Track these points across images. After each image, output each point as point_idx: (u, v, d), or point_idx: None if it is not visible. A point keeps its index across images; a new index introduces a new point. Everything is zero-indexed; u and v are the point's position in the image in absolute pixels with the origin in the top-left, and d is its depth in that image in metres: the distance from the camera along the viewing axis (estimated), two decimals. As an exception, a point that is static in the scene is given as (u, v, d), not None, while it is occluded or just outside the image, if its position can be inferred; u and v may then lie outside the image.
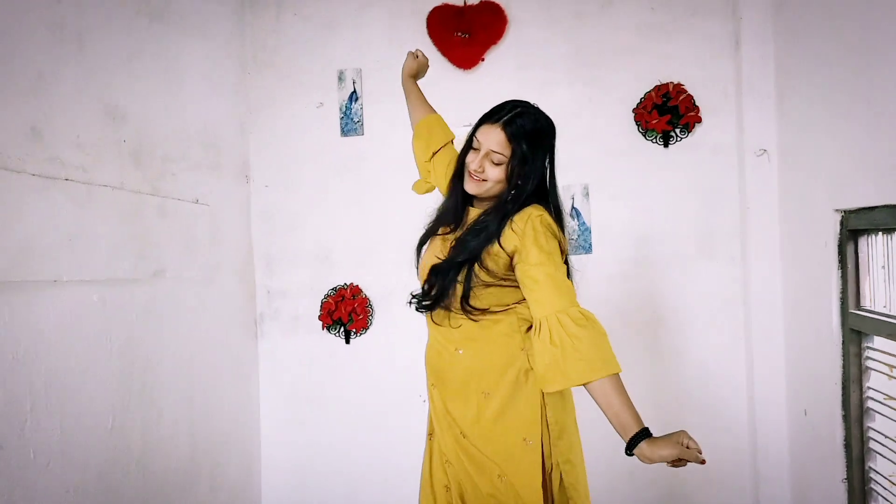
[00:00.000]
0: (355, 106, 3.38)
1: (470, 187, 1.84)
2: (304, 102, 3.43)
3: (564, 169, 3.24)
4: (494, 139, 1.77)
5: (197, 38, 2.96)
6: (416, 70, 2.50)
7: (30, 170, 1.98)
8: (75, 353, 2.14)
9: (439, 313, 1.88)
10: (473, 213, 1.93)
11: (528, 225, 1.73)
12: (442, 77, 3.34)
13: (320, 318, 3.39)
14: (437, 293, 1.83)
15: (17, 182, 1.93)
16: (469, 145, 1.86)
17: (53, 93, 2.11)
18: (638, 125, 3.21)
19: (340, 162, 3.40)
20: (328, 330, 3.39)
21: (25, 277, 1.94)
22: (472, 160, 1.81)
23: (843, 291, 2.46)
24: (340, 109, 3.40)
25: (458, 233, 1.88)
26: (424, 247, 2.01)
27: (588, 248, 3.24)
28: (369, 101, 3.39)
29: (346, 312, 3.33)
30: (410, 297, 1.94)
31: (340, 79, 3.38)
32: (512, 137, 1.76)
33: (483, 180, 1.81)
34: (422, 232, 2.04)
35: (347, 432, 3.39)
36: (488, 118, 1.83)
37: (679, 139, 3.19)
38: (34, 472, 1.95)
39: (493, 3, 3.30)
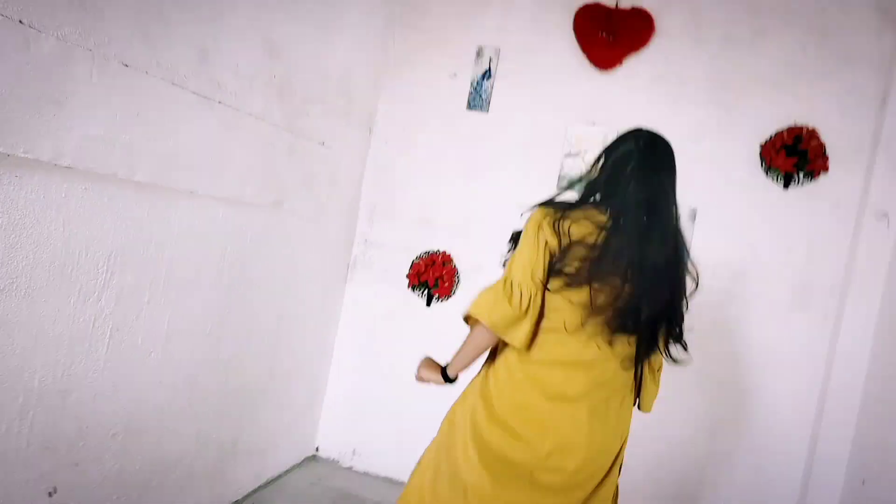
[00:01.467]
0: (487, 83, 3.47)
1: None
2: (438, 70, 3.54)
3: (678, 187, 3.27)
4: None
5: (354, -9, 3.11)
6: (434, 370, 2.09)
7: (191, 87, 2.17)
8: (195, 258, 2.35)
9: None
10: None
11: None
12: (578, 74, 3.38)
13: (408, 276, 3.53)
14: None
15: (180, 96, 2.12)
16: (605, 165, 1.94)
17: (225, 22, 2.29)
18: (762, 160, 3.18)
19: (461, 134, 3.51)
20: (413, 289, 3.53)
21: (169, 184, 2.15)
22: None
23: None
24: (472, 84, 3.49)
25: None
26: None
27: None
28: (501, 81, 3.46)
29: (433, 277, 3.46)
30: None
31: (479, 54, 3.47)
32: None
33: None
34: None
35: (406, 393, 3.52)
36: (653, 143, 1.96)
37: (800, 183, 3.14)
38: (138, 358, 2.17)
39: (644, 10, 3.31)
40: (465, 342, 1.92)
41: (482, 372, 1.97)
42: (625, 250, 1.70)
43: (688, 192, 3.24)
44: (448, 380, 1.99)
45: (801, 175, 3.13)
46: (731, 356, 3.22)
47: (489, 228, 3.41)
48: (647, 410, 1.97)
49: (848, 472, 2.92)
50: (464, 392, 2.00)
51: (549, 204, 1.82)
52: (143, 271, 2.12)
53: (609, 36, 3.31)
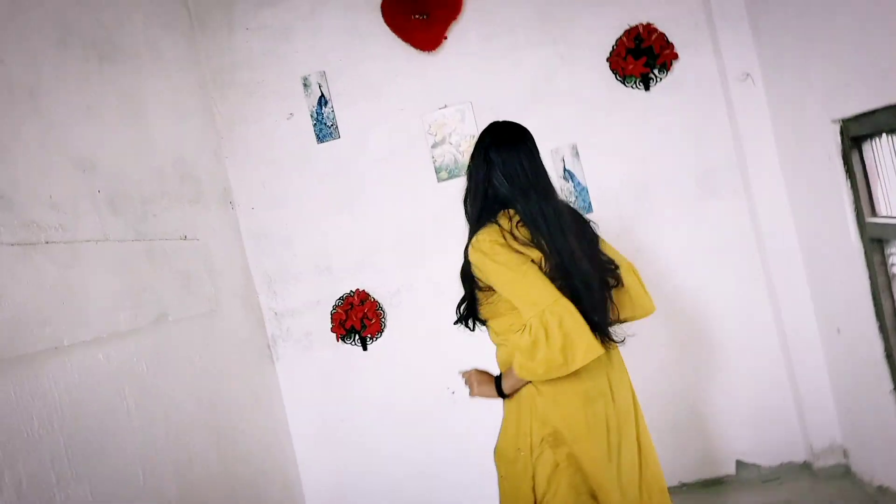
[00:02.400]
0: (326, 110, 3.30)
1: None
2: (273, 116, 3.34)
3: (549, 133, 3.20)
4: None
5: (152, 72, 2.87)
6: (486, 381, 2.02)
7: (6, 239, 1.90)
8: (92, 415, 2.08)
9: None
10: None
11: (475, 257, 1.83)
12: (406, 63, 3.25)
13: (333, 329, 3.32)
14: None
15: (-4, 255, 1.86)
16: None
17: (16, 156, 2.03)
18: (615, 74, 3.13)
19: (322, 170, 3.32)
20: (343, 340, 3.32)
21: (25, 350, 1.87)
22: None
23: (856, 201, 2.40)
24: (312, 116, 3.31)
25: None
26: None
27: (588, 209, 3.16)
28: (340, 102, 3.30)
29: (357, 319, 3.26)
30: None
31: (306, 85, 3.29)
32: None
33: None
34: None
35: (382, 438, 3.33)
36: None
37: (659, 80, 3.11)
38: (73, 546, 1.89)
39: (445, -22, 3.21)
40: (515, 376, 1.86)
41: (526, 399, 1.91)
42: (559, 240, 1.78)
43: (562, 132, 3.20)
44: (502, 395, 1.97)
45: (657, 72, 3.11)
46: (668, 270, 3.15)
47: (390, 248, 3.25)
48: (652, 309, 2.08)
49: (820, 328, 2.89)
50: (512, 426, 1.97)
51: (481, 227, 1.85)
52: (35, 457, 1.84)
53: (422, 16, 3.19)
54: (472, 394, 2.05)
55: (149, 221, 2.61)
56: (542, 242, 1.78)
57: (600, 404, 1.86)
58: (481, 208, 1.90)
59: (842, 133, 2.34)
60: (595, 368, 1.84)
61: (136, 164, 2.63)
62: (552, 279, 1.76)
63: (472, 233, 1.89)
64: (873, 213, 2.37)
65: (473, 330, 2.01)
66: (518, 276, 1.75)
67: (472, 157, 1.96)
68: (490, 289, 1.85)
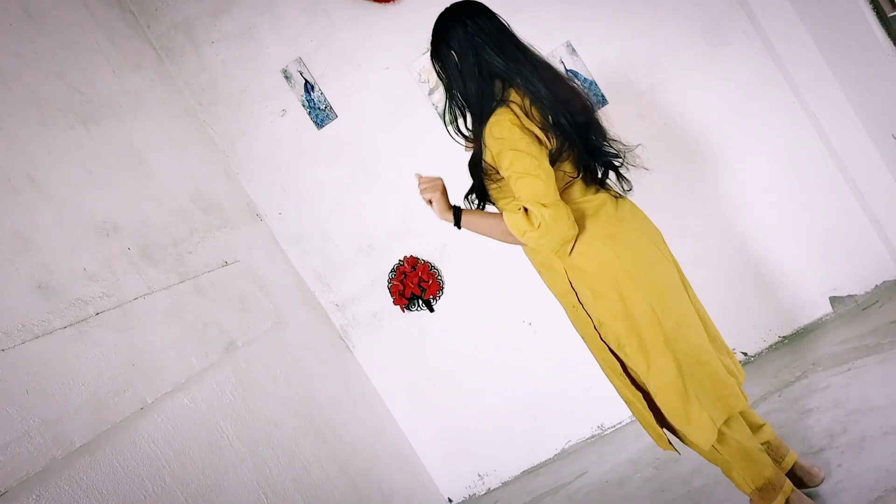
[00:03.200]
0: (315, 95, 3.23)
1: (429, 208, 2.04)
2: (267, 118, 3.30)
3: (540, 37, 3.06)
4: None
5: (138, 118, 2.85)
6: (445, 201, 1.97)
7: (58, 324, 1.93)
8: (198, 458, 2.13)
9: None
10: None
11: (494, 145, 1.77)
12: (377, 21, 3.15)
13: (395, 302, 3.32)
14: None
15: (47, 342, 1.88)
16: None
17: (41, 244, 2.04)
18: (585, -44, 2.97)
19: (332, 153, 3.28)
20: (409, 309, 3.32)
21: (114, 420, 1.92)
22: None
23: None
24: (304, 106, 3.25)
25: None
26: None
27: (603, 100, 3.05)
28: (325, 82, 3.23)
29: (415, 285, 3.25)
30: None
31: (287, 77, 3.23)
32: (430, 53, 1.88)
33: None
34: None
35: (476, 388, 3.34)
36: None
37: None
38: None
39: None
40: (495, 226, 1.87)
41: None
42: (558, 107, 1.76)
43: (553, 31, 3.06)
44: (456, 224, 1.95)
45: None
46: (701, 130, 3.03)
47: (420, 208, 3.20)
48: None
49: (872, 135, 2.73)
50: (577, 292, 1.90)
51: (489, 110, 1.79)
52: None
53: (375, -32, 3.07)
54: (430, 205, 1.97)
55: (186, 261, 2.63)
56: (550, 120, 1.74)
57: (646, 240, 1.90)
58: (479, 88, 1.80)
59: None
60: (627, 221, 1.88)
61: (156, 210, 2.64)
62: (559, 154, 1.77)
63: (479, 117, 1.82)
64: (894, 7, 2.21)
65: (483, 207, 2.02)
66: (534, 165, 1.72)
67: (444, 38, 1.83)
68: (501, 178, 1.82)
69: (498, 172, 1.81)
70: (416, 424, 3.44)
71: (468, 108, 1.87)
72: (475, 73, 1.80)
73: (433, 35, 1.88)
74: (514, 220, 1.76)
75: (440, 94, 3.15)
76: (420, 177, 2.01)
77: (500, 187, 1.86)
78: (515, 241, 1.85)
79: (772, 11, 2.79)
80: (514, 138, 1.72)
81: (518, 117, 1.74)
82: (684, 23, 2.96)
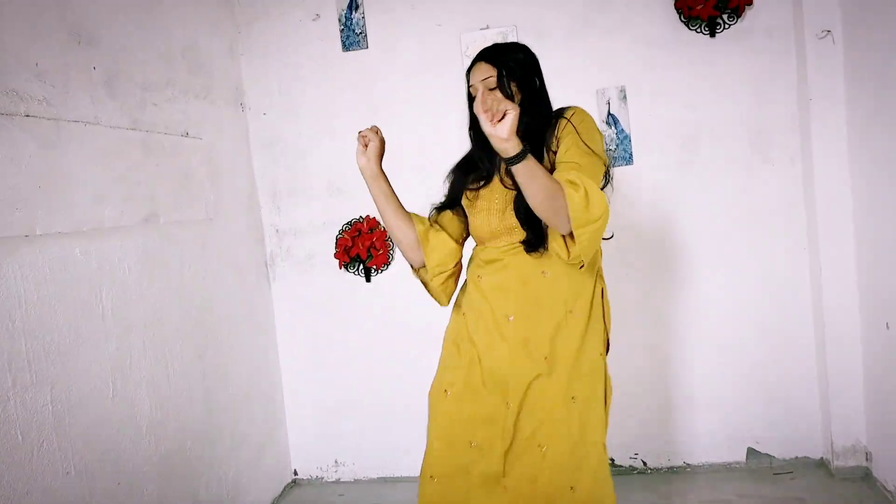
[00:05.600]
0: (356, 15, 2.99)
1: (489, 127, 1.57)
2: (299, 15, 3.04)
3: (596, 70, 2.91)
4: (478, 72, 1.76)
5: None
6: (378, 157, 1.88)
7: (-23, 104, 1.65)
8: (61, 315, 1.86)
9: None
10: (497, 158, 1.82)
11: (584, 116, 1.76)
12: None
13: (336, 255, 3.09)
14: (538, 238, 1.76)
15: (-38, 120, 1.61)
16: (470, 97, 1.82)
17: (3, 13, 1.76)
18: (679, 13, 2.81)
19: (346, 81, 3.04)
20: (346, 268, 3.10)
21: (-14, 234, 1.65)
22: (476, 103, 1.66)
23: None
24: (340, 21, 3.01)
25: (496, 180, 1.83)
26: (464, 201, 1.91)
27: (629, 159, 2.89)
28: (372, 8, 2.99)
29: (364, 248, 3.03)
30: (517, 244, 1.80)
31: (337, -16, 2.99)
32: (491, 58, 1.76)
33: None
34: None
35: (373, 373, 3.13)
36: (472, 63, 1.81)
37: (727, 26, 2.79)
38: (24, 454, 1.70)
39: None
40: (547, 180, 1.56)
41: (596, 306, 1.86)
42: None
43: (610, 71, 2.90)
44: (518, 157, 1.53)
45: (726, 17, 2.79)
46: (708, 232, 2.90)
47: (409, 174, 2.97)
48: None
49: (864, 320, 2.65)
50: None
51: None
52: (-7, 352, 1.64)
53: (475, -79, 2.85)
54: (501, 134, 1.49)
55: (148, 110, 2.35)
56: None
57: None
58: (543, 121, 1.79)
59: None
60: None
61: (142, 44, 2.36)
62: None
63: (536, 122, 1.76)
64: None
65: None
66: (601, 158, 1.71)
67: (515, 51, 1.79)
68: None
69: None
70: (298, 382, 3.21)
71: (529, 105, 1.77)
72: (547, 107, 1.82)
73: (524, 64, 1.79)
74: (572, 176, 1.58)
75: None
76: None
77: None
78: (554, 209, 1.57)
79: (826, 147, 2.68)
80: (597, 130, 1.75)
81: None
82: (739, 123, 2.83)
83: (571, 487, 1.74)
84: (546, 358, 1.75)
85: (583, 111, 1.77)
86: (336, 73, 3.03)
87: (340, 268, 3.10)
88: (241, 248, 2.94)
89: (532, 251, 1.77)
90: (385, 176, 1.90)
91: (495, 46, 1.83)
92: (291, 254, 3.15)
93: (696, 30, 2.81)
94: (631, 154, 2.90)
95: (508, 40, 2.88)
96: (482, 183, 1.85)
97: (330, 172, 3.08)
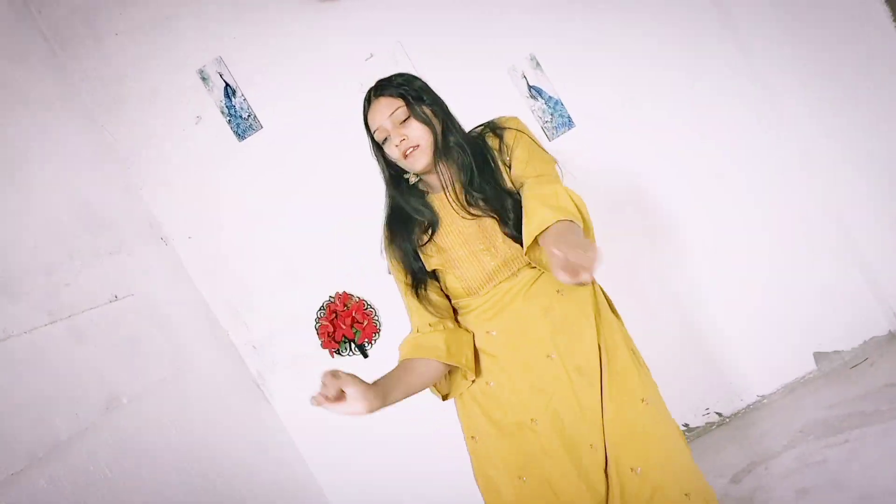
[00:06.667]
0: (237, 101, 2.77)
1: (414, 163, 1.56)
2: (180, 125, 2.80)
3: (500, 47, 2.69)
4: (381, 109, 1.57)
5: (15, 116, 2.32)
6: (371, 390, 1.51)
7: None
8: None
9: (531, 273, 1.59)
10: (436, 199, 1.65)
11: (507, 124, 1.64)
12: (313, 19, 2.72)
13: (324, 345, 2.84)
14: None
15: None
16: (377, 146, 1.63)
17: None
18: (554, -42, 2.62)
19: (255, 169, 2.80)
20: (339, 354, 2.85)
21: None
22: (390, 146, 1.58)
23: None
24: (223, 113, 2.78)
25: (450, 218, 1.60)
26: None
27: (569, 123, 2.69)
28: (249, 87, 2.76)
29: (347, 327, 2.80)
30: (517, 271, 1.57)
31: (204, 79, 2.75)
32: (388, 90, 1.58)
33: (416, 146, 1.55)
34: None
35: (404, 446, 2.88)
36: (365, 108, 1.63)
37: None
38: None
39: None
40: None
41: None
42: None
43: (514, 42, 2.66)
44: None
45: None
46: (681, 180, 2.70)
47: (360, 236, 2.73)
48: None
49: (881, 186, 2.44)
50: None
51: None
52: None
53: (313, -44, 2.64)
54: (587, 280, 1.21)
55: (62, 295, 2.10)
56: None
57: None
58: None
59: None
60: None
61: (25, 229, 2.11)
62: None
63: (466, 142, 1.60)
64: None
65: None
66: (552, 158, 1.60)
67: (437, 100, 1.63)
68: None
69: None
70: (339, 483, 2.95)
71: (445, 128, 1.60)
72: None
73: (425, 87, 1.62)
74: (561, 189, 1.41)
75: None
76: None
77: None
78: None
79: (757, 32, 2.49)
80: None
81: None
82: (674, 38, 2.64)
83: (686, 494, 1.52)
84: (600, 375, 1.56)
85: (517, 118, 1.64)
86: (243, 166, 2.80)
87: (333, 356, 2.86)
88: (223, 383, 2.69)
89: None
90: (386, 384, 1.57)
91: (383, 80, 1.62)
92: (278, 363, 2.90)
93: (579, -32, 2.62)
94: (569, 117, 2.69)
95: (399, 60, 2.67)
96: (431, 232, 1.62)
97: (276, 267, 2.84)
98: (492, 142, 1.63)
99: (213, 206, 2.82)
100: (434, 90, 1.64)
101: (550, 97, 2.68)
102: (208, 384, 2.57)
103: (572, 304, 1.58)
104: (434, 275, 1.65)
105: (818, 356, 2.71)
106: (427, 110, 1.57)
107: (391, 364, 2.82)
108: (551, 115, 2.68)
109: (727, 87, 2.64)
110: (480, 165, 1.57)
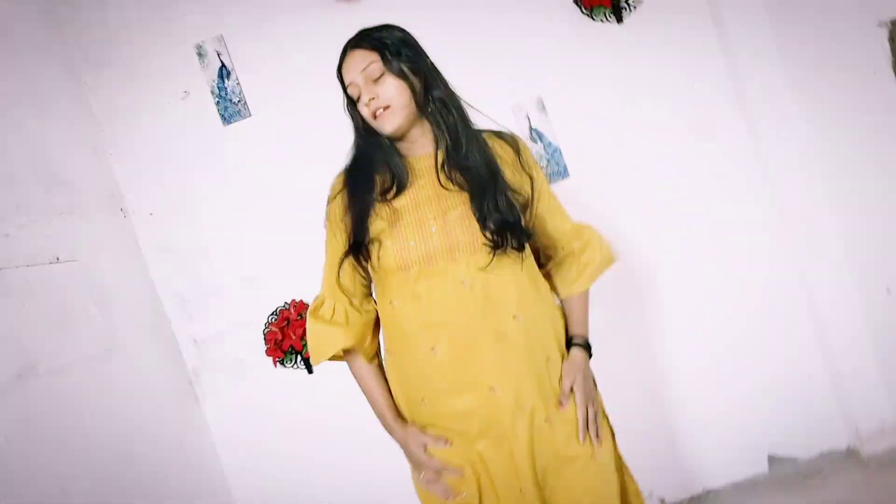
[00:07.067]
0: (230, 83, 2.65)
1: (383, 124, 1.45)
2: (166, 97, 2.67)
3: (507, 84, 2.62)
4: (355, 63, 1.46)
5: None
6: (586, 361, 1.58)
7: None
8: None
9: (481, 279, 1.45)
10: (420, 160, 1.52)
11: (520, 140, 1.60)
12: (315, 10, 2.62)
13: (268, 352, 2.69)
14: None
15: None
16: (350, 100, 1.52)
17: None
18: (580, 6, 2.57)
19: (234, 158, 2.67)
20: (282, 364, 2.70)
21: None
22: (361, 105, 1.47)
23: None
24: (213, 93, 2.65)
25: (418, 186, 1.48)
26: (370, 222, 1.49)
27: (564, 173, 2.61)
28: (245, 72, 2.65)
29: (297, 338, 2.65)
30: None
31: (200, 55, 2.64)
32: (363, 42, 1.47)
33: (387, 107, 1.43)
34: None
35: (338, 472, 2.72)
36: (340, 59, 1.52)
37: (632, 8, 2.56)
38: None
39: None
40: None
41: None
42: None
43: (523, 83, 2.60)
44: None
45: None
46: (668, 237, 2.63)
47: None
48: None
49: (861, 284, 2.39)
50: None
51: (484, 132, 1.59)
52: None
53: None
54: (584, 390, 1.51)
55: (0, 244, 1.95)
56: None
57: None
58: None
59: (892, 38, 1.82)
60: None
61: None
62: None
63: (469, 132, 1.50)
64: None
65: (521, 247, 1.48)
66: None
67: (394, 32, 1.51)
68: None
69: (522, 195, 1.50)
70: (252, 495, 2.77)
71: (431, 96, 1.48)
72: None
73: (406, 41, 1.51)
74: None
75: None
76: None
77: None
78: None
79: (773, 114, 2.45)
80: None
81: None
82: (675, 105, 2.60)
83: None
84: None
85: (527, 148, 1.59)
86: (222, 152, 2.67)
87: (276, 365, 2.71)
88: (154, 372, 2.52)
89: (502, 249, 1.42)
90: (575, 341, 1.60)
91: (363, 30, 1.51)
92: (218, 364, 2.73)
93: (601, 19, 2.57)
94: (565, 167, 2.62)
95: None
96: (396, 191, 1.48)
97: (238, 263, 2.69)
98: (494, 143, 1.55)
99: (183, 187, 2.68)
100: (419, 44, 1.52)
101: (551, 143, 2.61)
102: (137, 371, 2.40)
103: (528, 335, 1.46)
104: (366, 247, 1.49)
105: (772, 459, 2.62)
106: (405, 67, 1.45)
107: (337, 383, 2.65)
108: (548, 160, 2.60)
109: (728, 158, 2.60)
110: (470, 136, 1.49)
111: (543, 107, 2.60)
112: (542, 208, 1.56)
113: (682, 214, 2.62)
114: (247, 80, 2.65)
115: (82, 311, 2.20)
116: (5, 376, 1.79)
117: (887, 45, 1.85)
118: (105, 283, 2.38)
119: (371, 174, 1.50)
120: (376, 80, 1.43)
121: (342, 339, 1.54)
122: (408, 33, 1.53)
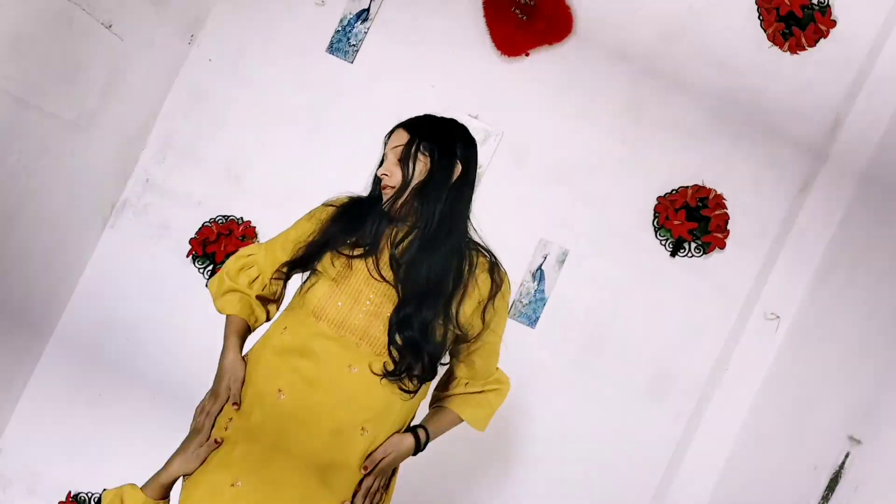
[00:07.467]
0: (360, 27, 2.68)
1: (384, 196, 1.54)
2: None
3: (546, 222, 2.68)
4: (394, 138, 1.56)
5: None
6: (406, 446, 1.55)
7: None
8: None
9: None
10: (398, 233, 1.54)
11: (506, 285, 1.62)
12: (473, 51, 2.69)
13: (191, 241, 2.64)
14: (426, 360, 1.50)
15: None
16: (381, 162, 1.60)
17: None
18: (655, 216, 2.64)
19: (310, 80, 2.68)
20: (193, 260, 2.65)
21: None
22: (381, 169, 1.57)
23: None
24: (341, 22, 2.68)
25: (380, 256, 1.51)
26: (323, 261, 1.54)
27: (532, 323, 2.63)
28: (378, 30, 2.68)
29: (223, 252, 2.60)
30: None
31: (352, -10, 2.68)
32: (411, 128, 1.55)
33: (391, 186, 1.52)
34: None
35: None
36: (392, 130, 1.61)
37: (690, 254, 2.64)
38: None
39: (564, 2, 2.66)
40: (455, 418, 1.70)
41: None
42: None
43: (561, 230, 2.67)
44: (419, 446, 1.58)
45: (693, 246, 2.64)
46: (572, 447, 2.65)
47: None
48: None
49: None
50: None
51: (475, 248, 1.62)
52: None
53: (523, 15, 2.64)
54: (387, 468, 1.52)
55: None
56: None
57: None
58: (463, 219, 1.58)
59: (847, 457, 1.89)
60: None
61: None
62: None
63: (458, 243, 1.54)
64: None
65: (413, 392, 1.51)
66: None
67: (443, 134, 1.56)
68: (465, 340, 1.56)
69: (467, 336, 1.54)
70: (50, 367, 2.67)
71: (430, 188, 1.51)
72: (467, 204, 1.58)
73: (447, 140, 1.55)
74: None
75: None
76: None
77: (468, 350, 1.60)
78: None
79: (722, 399, 2.51)
80: None
81: None
82: (655, 348, 2.65)
83: None
84: None
85: (508, 287, 1.62)
86: (305, 69, 2.68)
87: (188, 256, 2.65)
88: (96, 173, 2.46)
89: (395, 379, 1.45)
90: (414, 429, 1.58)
91: (424, 116, 1.59)
92: (147, 212, 2.67)
93: (660, 240, 2.64)
94: (537, 319, 2.64)
95: (490, 139, 2.63)
96: (360, 251, 1.50)
97: (237, 154, 2.67)
98: (479, 272, 1.56)
99: (251, 63, 2.68)
100: (457, 152, 1.54)
101: (543, 292, 2.64)
102: (88, 159, 2.34)
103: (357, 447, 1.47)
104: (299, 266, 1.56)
105: None
106: (420, 161, 1.51)
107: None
108: (528, 302, 2.63)
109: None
110: (436, 240, 1.49)
111: (563, 260, 2.64)
112: (479, 350, 1.60)
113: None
114: (374, 36, 2.67)
115: (95, 75, 2.16)
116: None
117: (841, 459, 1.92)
118: (129, 69, 2.35)
119: (362, 221, 1.54)
120: (399, 159, 1.51)
121: (238, 307, 1.58)
122: (463, 134, 1.59)
